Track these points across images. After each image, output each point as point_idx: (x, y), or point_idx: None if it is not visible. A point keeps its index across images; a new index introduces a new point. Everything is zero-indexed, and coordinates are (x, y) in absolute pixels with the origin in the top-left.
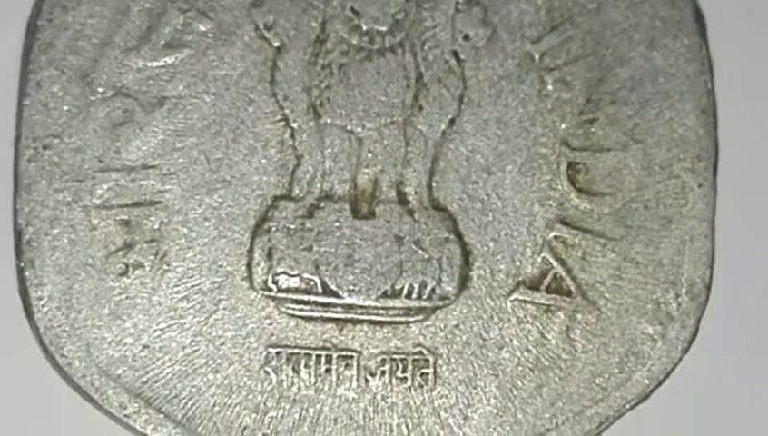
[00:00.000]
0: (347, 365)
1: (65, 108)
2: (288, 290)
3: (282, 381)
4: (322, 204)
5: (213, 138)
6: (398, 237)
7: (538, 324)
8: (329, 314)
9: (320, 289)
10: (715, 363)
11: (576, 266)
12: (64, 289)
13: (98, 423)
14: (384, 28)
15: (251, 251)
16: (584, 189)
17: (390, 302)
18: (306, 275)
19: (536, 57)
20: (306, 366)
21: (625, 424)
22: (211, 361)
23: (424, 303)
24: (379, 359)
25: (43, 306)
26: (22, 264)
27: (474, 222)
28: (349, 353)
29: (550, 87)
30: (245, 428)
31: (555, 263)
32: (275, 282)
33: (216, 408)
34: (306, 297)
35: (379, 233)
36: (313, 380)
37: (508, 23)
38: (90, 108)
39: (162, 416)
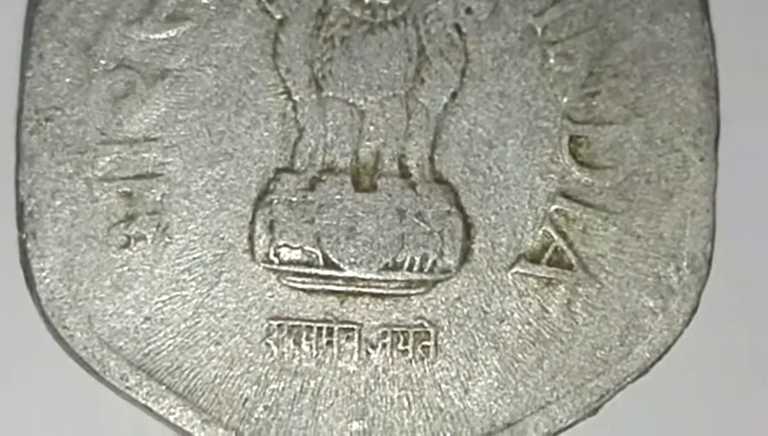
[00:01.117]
0: (348, 338)
1: (67, 80)
2: (289, 262)
3: (284, 353)
4: (324, 177)
5: (215, 111)
6: (400, 210)
7: (539, 297)
8: (331, 287)
9: (321, 261)
10: (716, 337)
11: (577, 239)
12: (65, 261)
13: (100, 395)
14: (386, 1)
15: (252, 223)
16: (585, 162)
17: (392, 275)
18: (307, 248)
19: (539, 30)
20: (307, 339)
21: (625, 397)
22: (212, 334)
23: (425, 276)
24: (380, 331)
25: (44, 278)
26: (24, 236)
27: (475, 195)
28: (351, 326)
29: (552, 60)
30: (246, 400)
31: (556, 237)
32: (277, 255)
33: (217, 380)
34: (307, 270)
35: (381, 206)
36: (314, 352)
37: None
38: (92, 80)
39: (163, 388)
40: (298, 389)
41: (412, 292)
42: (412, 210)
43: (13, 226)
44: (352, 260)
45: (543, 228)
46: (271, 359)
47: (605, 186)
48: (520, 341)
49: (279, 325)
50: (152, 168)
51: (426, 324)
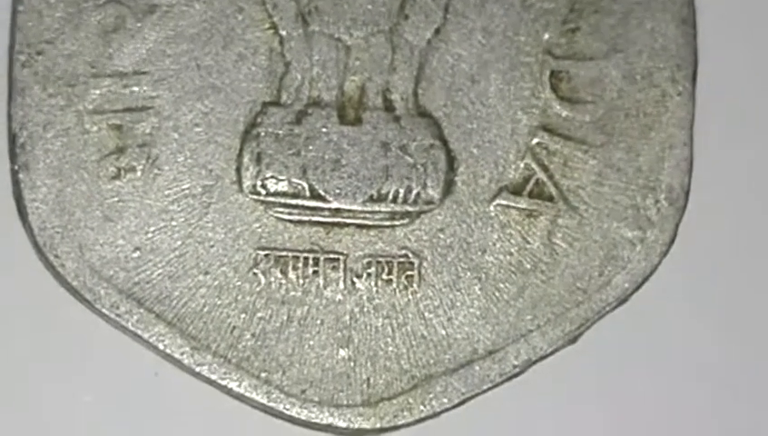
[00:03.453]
0: (334, 267)
1: (58, 15)
2: (276, 193)
3: (271, 282)
4: (310, 111)
5: (204, 45)
6: (385, 143)
7: (521, 229)
8: (317, 218)
9: (307, 193)
10: (693, 267)
11: (557, 172)
12: (57, 191)
13: (90, 323)
14: None
15: (240, 155)
16: (566, 97)
17: (376, 206)
18: (294, 180)
19: None
20: (294, 268)
21: (604, 326)
22: (201, 263)
23: (409, 208)
24: (365, 261)
25: (36, 208)
26: (16, 167)
27: (458, 128)
28: (336, 256)
29: None
30: (234, 328)
31: (537, 169)
32: (264, 186)
33: (206, 308)
34: (294, 201)
35: (366, 139)
36: (301, 281)
37: None
38: (82, 15)
39: (153, 316)
40: (284, 317)
41: (396, 223)
42: (396, 143)
43: (5, 158)
44: (338, 191)
45: (524, 161)
46: (259, 288)
47: (585, 120)
48: (502, 271)
49: (266, 255)
50: (142, 101)
51: (410, 255)
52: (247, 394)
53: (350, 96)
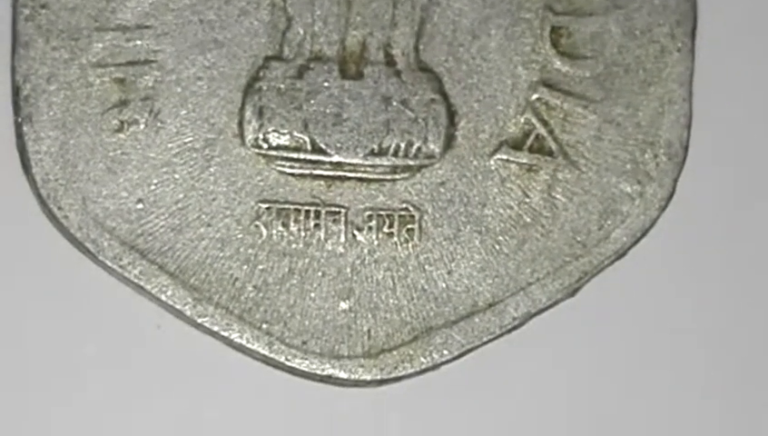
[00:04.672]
0: (335, 220)
1: None
2: (278, 147)
3: (272, 235)
4: (312, 65)
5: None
6: (386, 97)
7: (521, 183)
8: (318, 171)
9: (309, 146)
10: (691, 222)
11: (557, 127)
12: (60, 143)
13: (93, 275)
14: None
15: (242, 109)
16: (566, 52)
17: (377, 160)
18: (296, 133)
19: None
20: (295, 221)
21: (603, 279)
22: (203, 216)
23: (410, 162)
24: (366, 214)
25: (40, 160)
26: (20, 119)
27: (459, 83)
28: (337, 209)
29: None
30: (236, 280)
31: (537, 124)
32: (266, 140)
33: (208, 260)
34: (295, 154)
35: (367, 93)
36: (302, 234)
37: None
38: None
39: (155, 267)
40: (286, 269)
41: (397, 176)
42: (397, 97)
43: (9, 110)
44: (339, 145)
45: (524, 116)
46: (260, 240)
47: (585, 76)
48: (502, 224)
49: (268, 208)
50: (145, 55)
51: (410, 208)
52: (248, 345)
53: (352, 51)
